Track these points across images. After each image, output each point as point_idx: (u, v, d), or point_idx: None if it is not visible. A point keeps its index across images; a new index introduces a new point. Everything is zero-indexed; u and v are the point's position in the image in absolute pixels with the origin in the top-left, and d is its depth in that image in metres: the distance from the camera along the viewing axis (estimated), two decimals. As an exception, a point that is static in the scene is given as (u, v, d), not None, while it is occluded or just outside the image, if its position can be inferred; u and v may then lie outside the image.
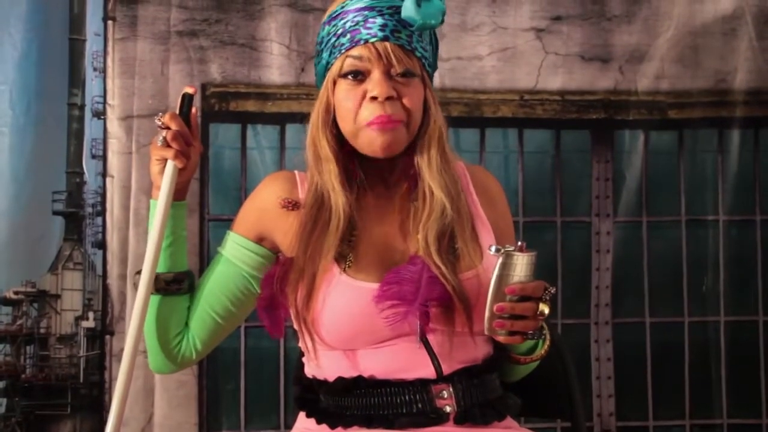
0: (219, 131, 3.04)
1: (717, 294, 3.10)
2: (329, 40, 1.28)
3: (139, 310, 1.20)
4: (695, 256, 3.11)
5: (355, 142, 1.27)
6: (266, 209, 1.31)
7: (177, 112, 1.27)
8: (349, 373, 1.24)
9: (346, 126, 1.27)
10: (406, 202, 1.30)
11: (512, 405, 1.30)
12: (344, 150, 1.29)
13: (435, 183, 1.26)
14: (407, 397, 1.21)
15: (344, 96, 1.26)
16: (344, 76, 1.26)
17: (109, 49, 3.01)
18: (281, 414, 2.96)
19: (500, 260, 1.13)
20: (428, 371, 1.23)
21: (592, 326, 3.05)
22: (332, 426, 1.24)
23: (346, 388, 1.24)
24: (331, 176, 1.27)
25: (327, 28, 1.29)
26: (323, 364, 1.27)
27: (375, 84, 1.24)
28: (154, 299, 1.30)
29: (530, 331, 1.16)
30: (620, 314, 3.08)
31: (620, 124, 3.11)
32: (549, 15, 3.10)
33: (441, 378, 1.23)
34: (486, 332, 1.15)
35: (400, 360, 1.23)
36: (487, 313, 1.14)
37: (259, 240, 1.32)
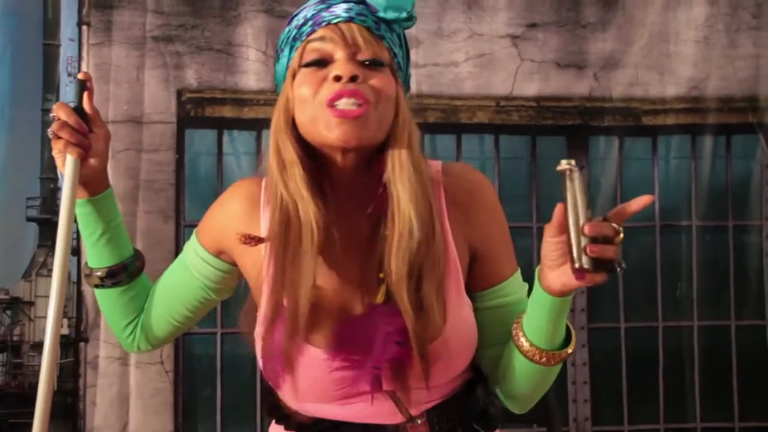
0: (195, 137, 3.03)
1: (690, 299, 3.13)
2: (289, 34, 1.14)
3: (53, 312, 1.13)
4: (669, 261, 3.14)
5: (313, 133, 1.10)
6: (225, 228, 1.21)
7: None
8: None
9: (303, 114, 1.10)
10: (376, 228, 1.13)
11: (493, 415, 1.23)
12: (312, 161, 1.13)
13: (404, 193, 1.09)
14: (379, 426, 1.16)
15: (302, 81, 1.10)
16: (306, 65, 1.10)
17: (84, 54, 2.98)
18: (257, 421, 2.95)
19: (568, 183, 0.98)
20: (397, 418, 1.16)
21: (567, 331, 3.06)
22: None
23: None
24: (297, 182, 1.11)
25: (287, 28, 1.16)
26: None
27: (338, 64, 1.09)
28: (98, 293, 1.29)
29: (619, 263, 0.98)
30: (595, 319, 3.10)
31: (595, 131, 3.13)
32: (525, 22, 3.12)
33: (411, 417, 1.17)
34: (578, 265, 0.98)
35: (367, 411, 1.16)
36: (574, 244, 0.98)
37: (218, 253, 1.25)
